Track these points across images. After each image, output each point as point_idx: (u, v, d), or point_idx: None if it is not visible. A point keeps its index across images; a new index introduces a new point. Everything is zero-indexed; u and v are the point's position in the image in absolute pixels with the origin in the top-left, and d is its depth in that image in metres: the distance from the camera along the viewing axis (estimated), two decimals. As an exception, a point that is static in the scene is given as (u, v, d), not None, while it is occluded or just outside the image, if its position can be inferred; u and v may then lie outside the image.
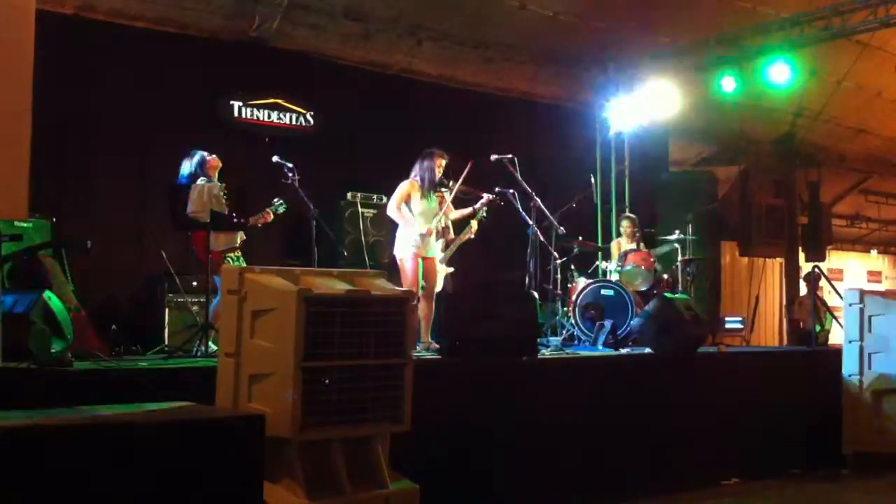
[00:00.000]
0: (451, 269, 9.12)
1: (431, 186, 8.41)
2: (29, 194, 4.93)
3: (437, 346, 7.55)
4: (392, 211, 8.39)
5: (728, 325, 13.70)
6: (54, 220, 8.04)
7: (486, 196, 8.67)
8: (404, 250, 8.32)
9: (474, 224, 9.12)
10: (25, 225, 7.31)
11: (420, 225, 8.31)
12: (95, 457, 3.80)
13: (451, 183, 8.54)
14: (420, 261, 8.30)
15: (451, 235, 9.16)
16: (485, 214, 9.06)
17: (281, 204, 8.06)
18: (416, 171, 8.44)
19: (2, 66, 4.80)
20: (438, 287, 8.76)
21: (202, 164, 7.86)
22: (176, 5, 9.80)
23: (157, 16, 9.79)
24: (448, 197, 8.55)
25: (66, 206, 8.92)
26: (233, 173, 8.19)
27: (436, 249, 8.60)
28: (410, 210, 8.35)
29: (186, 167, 7.88)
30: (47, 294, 6.28)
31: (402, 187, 8.37)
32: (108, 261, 9.03)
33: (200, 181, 7.78)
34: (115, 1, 9.51)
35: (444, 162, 8.47)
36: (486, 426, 6.40)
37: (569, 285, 10.23)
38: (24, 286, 6.62)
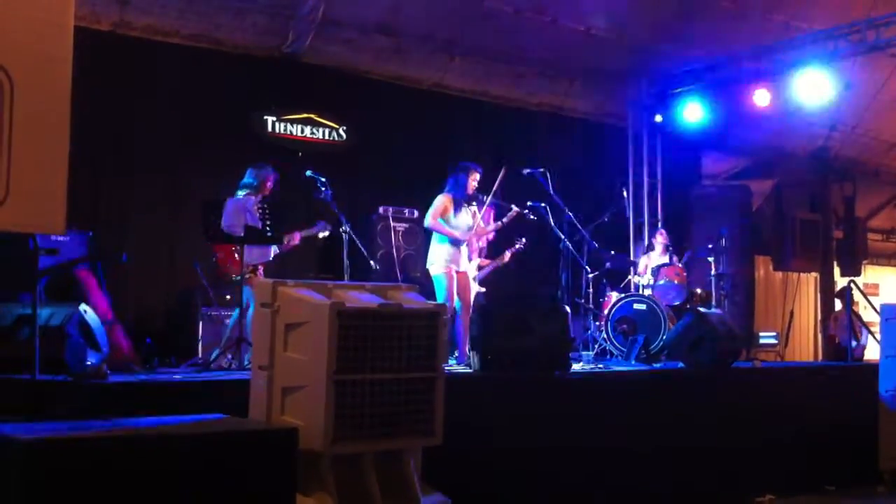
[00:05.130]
0: (482, 289, 9.12)
1: (465, 201, 8.43)
2: (66, 209, 4.98)
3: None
4: (430, 223, 8.39)
5: (762, 340, 13.55)
6: (91, 234, 8.13)
7: (514, 209, 8.69)
8: (437, 265, 8.33)
9: (507, 253, 9.17)
10: (62, 239, 7.39)
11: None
12: (129, 469, 3.83)
13: (483, 197, 8.57)
14: (454, 274, 8.31)
15: (485, 259, 9.23)
16: (522, 246, 9.16)
17: (325, 229, 8.18)
18: (449, 186, 8.46)
19: (40, 82, 4.86)
20: (467, 304, 8.81)
21: (265, 179, 7.97)
22: (210, 22, 9.89)
23: (191, 32, 9.89)
24: (479, 213, 8.57)
25: (102, 220, 9.01)
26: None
27: (468, 264, 8.61)
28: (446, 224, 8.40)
29: (248, 177, 7.99)
30: (83, 307, 6.35)
31: (439, 201, 8.38)
32: (144, 274, 9.12)
33: (241, 194, 7.86)
34: (151, 17, 9.62)
35: (478, 176, 8.49)
36: (518, 440, 6.39)
37: (601, 299, 10.19)
38: (60, 299, 6.69)
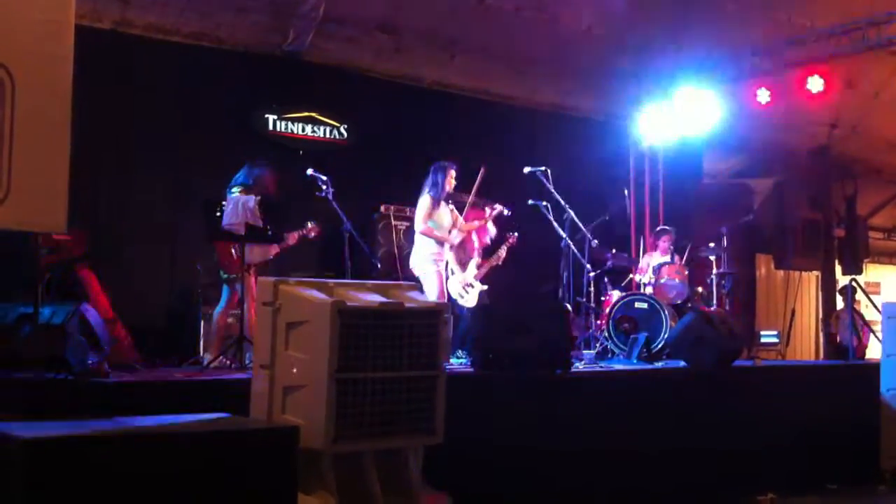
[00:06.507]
0: (484, 287, 9.14)
1: (445, 200, 8.46)
2: (67, 207, 4.99)
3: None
4: (422, 228, 8.40)
5: (763, 339, 13.55)
6: (91, 232, 8.12)
7: (497, 207, 8.77)
8: (424, 265, 8.35)
9: (503, 250, 9.20)
10: (63, 237, 7.39)
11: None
12: (130, 468, 3.82)
13: (462, 195, 8.63)
14: (443, 272, 8.34)
15: (478, 258, 9.26)
16: (513, 239, 9.24)
17: (314, 230, 8.22)
18: (429, 186, 8.47)
19: (41, 80, 4.86)
20: (472, 303, 8.81)
21: (260, 179, 7.97)
22: (211, 20, 9.88)
23: (192, 30, 9.88)
24: (460, 215, 8.63)
25: (103, 219, 9.00)
26: (268, 187, 8.24)
27: (451, 262, 8.67)
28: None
29: (242, 177, 7.99)
30: (84, 306, 6.35)
31: (424, 203, 8.41)
32: (145, 273, 9.11)
33: (236, 191, 7.86)
34: (152, 16, 9.61)
35: (454, 173, 8.53)
36: (519, 439, 6.39)
37: (602, 298, 10.19)
38: (61, 298, 6.69)
